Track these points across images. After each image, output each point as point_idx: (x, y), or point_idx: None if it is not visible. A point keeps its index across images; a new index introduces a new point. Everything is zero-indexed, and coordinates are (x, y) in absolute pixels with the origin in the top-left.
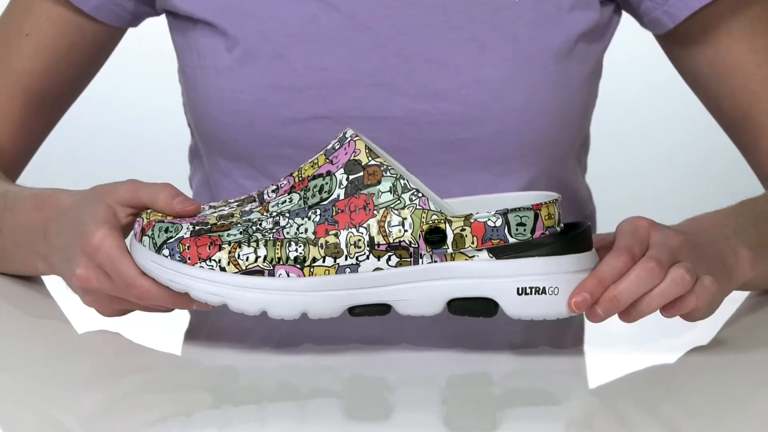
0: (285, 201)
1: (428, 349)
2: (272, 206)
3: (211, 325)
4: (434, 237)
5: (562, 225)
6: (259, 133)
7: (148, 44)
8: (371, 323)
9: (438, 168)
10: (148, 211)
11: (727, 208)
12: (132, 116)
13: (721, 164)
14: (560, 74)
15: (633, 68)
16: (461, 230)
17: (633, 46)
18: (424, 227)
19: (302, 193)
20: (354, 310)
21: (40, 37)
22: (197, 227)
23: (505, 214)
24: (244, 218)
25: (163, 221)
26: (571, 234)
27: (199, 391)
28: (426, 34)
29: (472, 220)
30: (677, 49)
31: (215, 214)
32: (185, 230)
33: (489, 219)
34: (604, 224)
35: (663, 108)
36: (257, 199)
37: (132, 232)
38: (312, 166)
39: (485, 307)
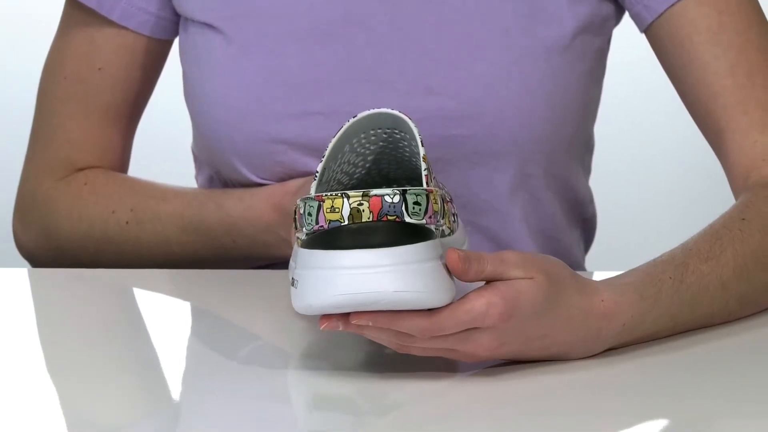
0: None
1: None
2: None
3: None
4: None
5: (369, 219)
6: (252, 129)
7: None
8: None
9: (432, 164)
10: None
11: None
12: None
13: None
14: (555, 69)
15: (636, 70)
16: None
17: (636, 48)
18: None
19: None
20: None
21: (112, 70)
22: None
23: (305, 203)
24: None
25: None
26: (325, 231)
27: None
28: (420, 29)
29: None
30: (657, 46)
31: None
32: None
33: (297, 207)
34: (604, 228)
35: (665, 111)
36: None
37: None
38: None
39: None
